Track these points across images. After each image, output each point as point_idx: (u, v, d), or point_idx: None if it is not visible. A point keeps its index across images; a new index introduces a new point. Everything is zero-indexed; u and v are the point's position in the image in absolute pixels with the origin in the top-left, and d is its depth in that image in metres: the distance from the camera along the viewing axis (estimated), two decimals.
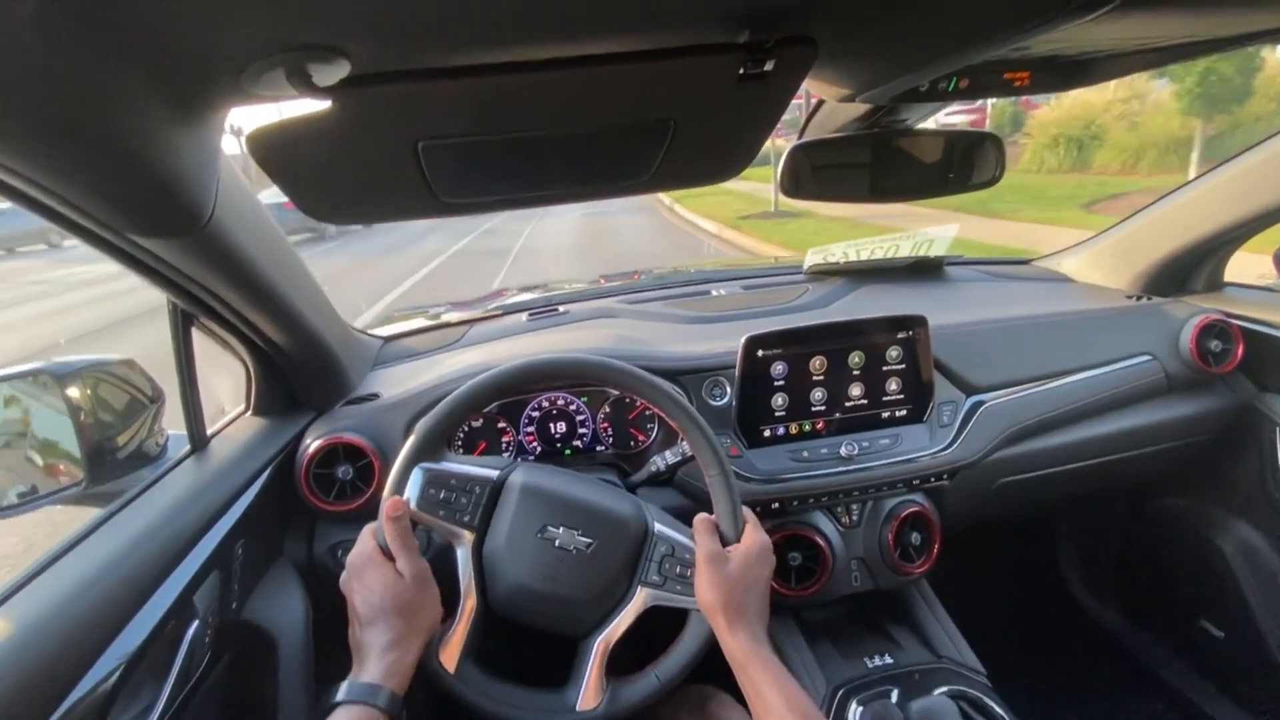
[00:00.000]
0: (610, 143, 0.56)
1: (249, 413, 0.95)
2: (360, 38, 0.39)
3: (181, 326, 0.77)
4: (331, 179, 0.53)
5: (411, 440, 0.74)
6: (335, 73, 0.42)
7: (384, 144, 0.49)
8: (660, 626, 0.76)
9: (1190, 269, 1.28)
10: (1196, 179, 1.22)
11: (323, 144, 0.48)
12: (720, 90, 0.51)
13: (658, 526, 0.76)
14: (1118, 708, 1.37)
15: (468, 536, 0.73)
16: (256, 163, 0.48)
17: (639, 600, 0.74)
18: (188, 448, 0.82)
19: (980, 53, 0.49)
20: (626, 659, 0.76)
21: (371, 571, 0.67)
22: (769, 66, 0.48)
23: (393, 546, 0.68)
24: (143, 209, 0.51)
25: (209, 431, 0.86)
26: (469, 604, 0.72)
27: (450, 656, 0.71)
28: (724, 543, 0.73)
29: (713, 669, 0.74)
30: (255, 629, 0.80)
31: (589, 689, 0.72)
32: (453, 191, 0.57)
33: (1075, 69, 0.60)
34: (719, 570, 0.69)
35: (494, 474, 0.76)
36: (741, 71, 0.48)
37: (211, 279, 0.68)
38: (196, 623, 0.68)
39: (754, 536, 0.73)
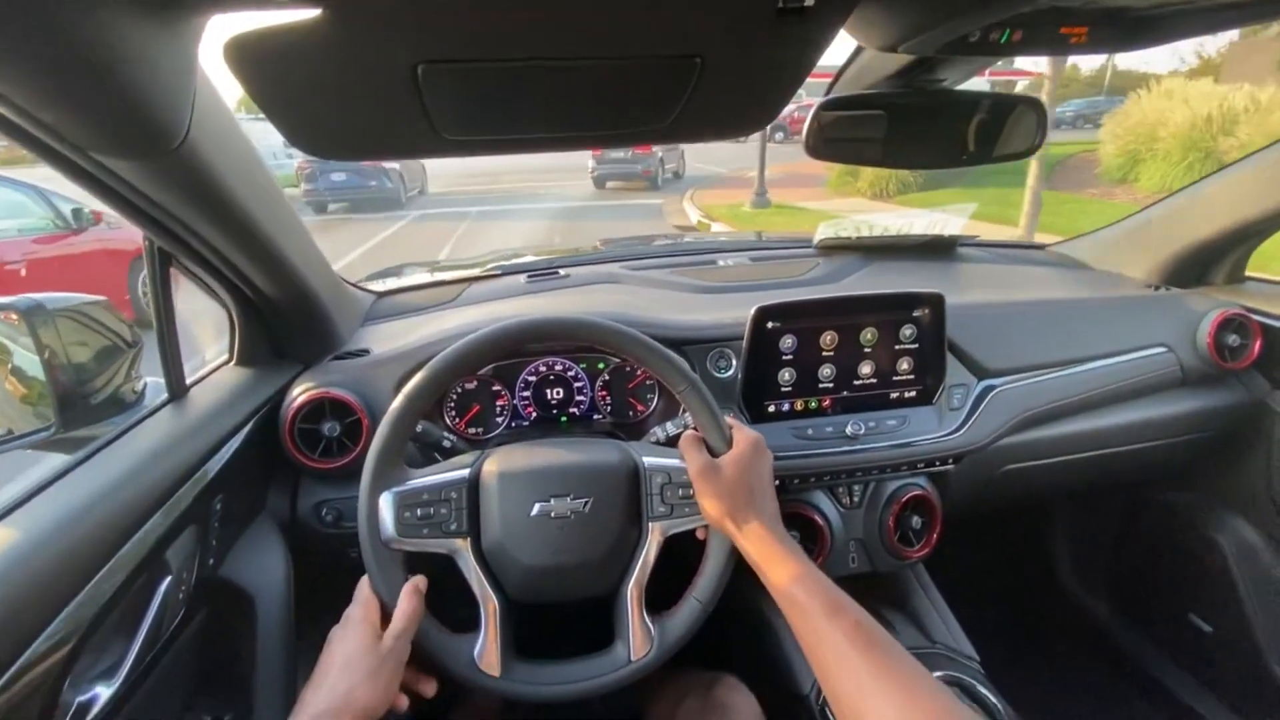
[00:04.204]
0: (629, 80, 0.51)
1: (232, 362, 0.91)
2: None
3: (159, 266, 0.73)
4: (319, 103, 0.48)
5: (366, 471, 0.69)
6: None
7: (379, 63, 0.44)
8: (685, 550, 0.75)
9: (1212, 261, 1.25)
10: (1222, 170, 1.17)
11: (310, 60, 0.43)
12: (755, 26, 0.46)
13: (647, 460, 0.74)
14: (1104, 700, 1.38)
15: (462, 544, 0.70)
16: (234, 77, 0.43)
17: (654, 536, 0.73)
18: (165, 395, 0.78)
19: None
20: (663, 592, 0.75)
21: (353, 629, 0.64)
22: (810, 1, 0.43)
23: (395, 615, 0.65)
24: (109, 124, 0.46)
25: (189, 380, 0.81)
26: (490, 607, 0.70)
27: (491, 662, 0.69)
28: (715, 454, 0.71)
29: (718, 654, 0.71)
30: (233, 587, 0.77)
31: (636, 638, 0.71)
32: (453, 126, 0.52)
33: (1139, 26, 0.55)
34: (714, 481, 0.68)
35: (464, 473, 0.72)
36: (780, 5, 0.43)
37: (187, 210, 0.63)
38: (170, 578, 0.64)
39: (743, 436, 0.71)
